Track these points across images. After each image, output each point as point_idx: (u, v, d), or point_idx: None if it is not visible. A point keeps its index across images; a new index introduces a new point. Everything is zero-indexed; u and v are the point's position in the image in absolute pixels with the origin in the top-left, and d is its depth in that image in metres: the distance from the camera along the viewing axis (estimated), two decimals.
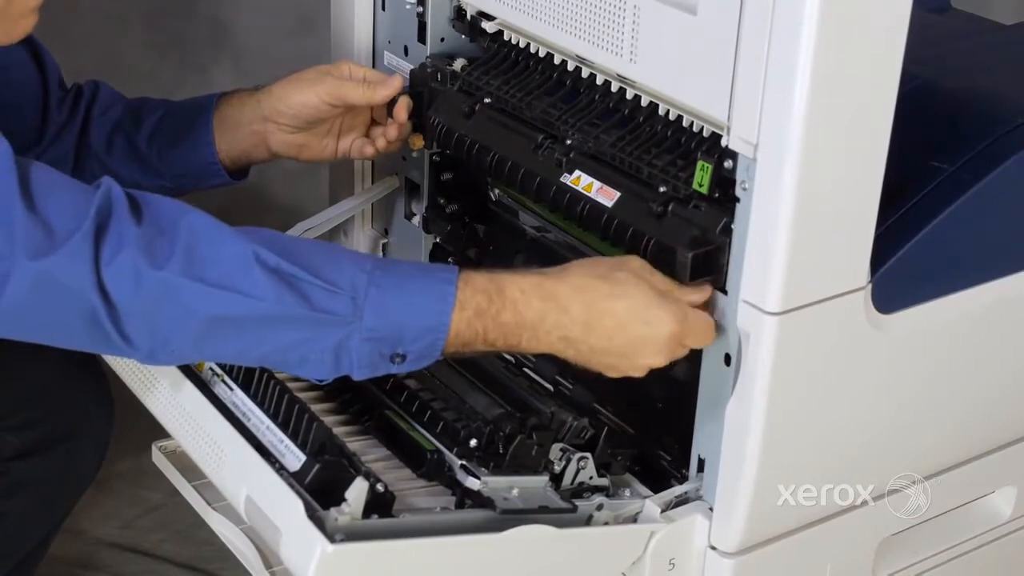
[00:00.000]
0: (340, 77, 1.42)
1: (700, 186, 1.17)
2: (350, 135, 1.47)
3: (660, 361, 1.14)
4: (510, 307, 1.12)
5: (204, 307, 1.06)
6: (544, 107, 1.33)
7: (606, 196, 1.24)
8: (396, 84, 1.43)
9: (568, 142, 1.29)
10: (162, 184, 1.47)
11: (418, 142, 1.47)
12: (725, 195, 1.15)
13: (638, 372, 1.15)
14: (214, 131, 1.45)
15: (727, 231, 1.15)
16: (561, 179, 1.28)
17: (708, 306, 1.17)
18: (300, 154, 1.47)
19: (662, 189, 1.20)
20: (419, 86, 1.45)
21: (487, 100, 1.38)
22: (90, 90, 1.50)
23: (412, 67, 1.48)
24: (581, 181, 1.27)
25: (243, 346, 1.09)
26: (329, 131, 1.46)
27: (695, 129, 1.21)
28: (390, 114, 1.46)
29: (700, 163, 1.17)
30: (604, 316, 1.12)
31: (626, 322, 1.12)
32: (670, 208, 1.19)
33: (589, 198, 1.25)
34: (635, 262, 1.17)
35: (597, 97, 1.30)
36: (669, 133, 1.23)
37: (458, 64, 1.44)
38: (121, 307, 1.05)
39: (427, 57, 1.48)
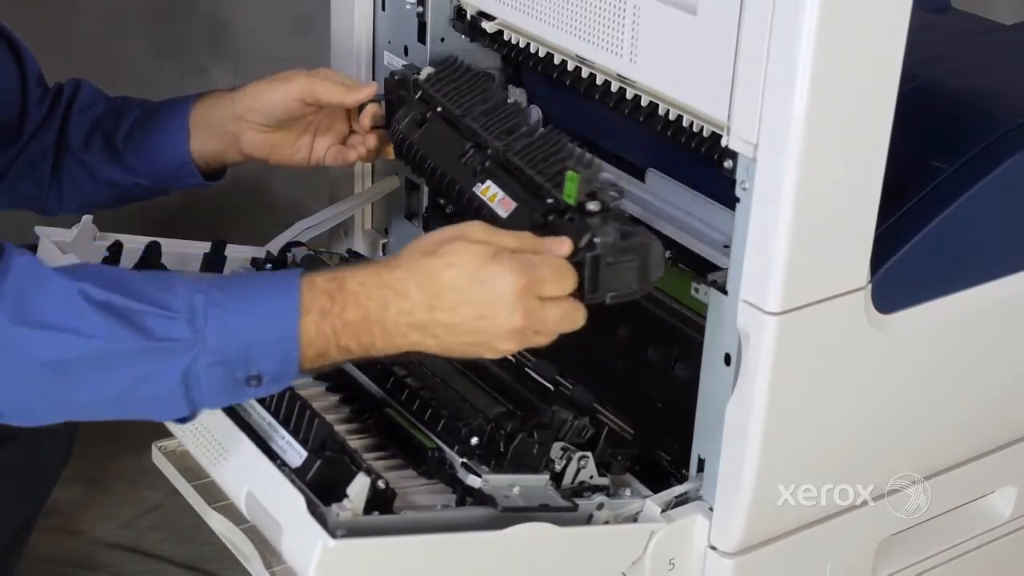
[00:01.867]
0: (314, 76, 1.42)
1: (568, 197, 1.15)
2: (325, 139, 1.46)
3: (517, 319, 1.07)
4: (352, 302, 1.07)
5: (39, 353, 1.02)
6: (476, 115, 1.33)
7: (504, 207, 1.23)
8: (369, 90, 1.42)
9: (488, 151, 1.29)
10: (138, 182, 1.47)
11: (389, 152, 1.46)
12: (592, 206, 1.14)
13: (506, 342, 1.09)
14: (189, 131, 1.44)
15: (591, 246, 1.11)
16: (473, 188, 1.27)
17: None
18: (271, 155, 1.46)
19: (548, 200, 1.18)
20: (390, 94, 1.44)
21: (439, 109, 1.38)
22: (71, 88, 1.50)
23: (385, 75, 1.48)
24: (489, 191, 1.26)
25: (93, 392, 1.05)
26: (303, 132, 1.46)
27: (695, 129, 1.21)
28: None
29: (568, 173, 1.15)
30: (442, 291, 1.07)
31: (464, 288, 1.07)
32: (549, 220, 1.17)
33: (491, 208, 1.24)
34: (474, 228, 1.11)
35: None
36: (669, 133, 1.23)
37: (424, 72, 1.43)
38: None
39: (403, 65, 1.49)
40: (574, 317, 1.11)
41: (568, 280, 1.10)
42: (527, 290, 1.07)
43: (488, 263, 1.07)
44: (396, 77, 1.44)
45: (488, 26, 1.41)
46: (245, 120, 1.43)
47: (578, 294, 1.11)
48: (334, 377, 1.32)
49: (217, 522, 1.31)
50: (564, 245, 1.11)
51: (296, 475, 1.09)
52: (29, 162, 1.47)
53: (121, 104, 1.50)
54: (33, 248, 1.40)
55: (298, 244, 1.51)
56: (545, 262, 1.09)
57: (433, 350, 1.11)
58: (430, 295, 1.07)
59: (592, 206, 1.13)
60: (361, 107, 1.44)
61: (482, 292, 1.07)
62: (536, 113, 1.51)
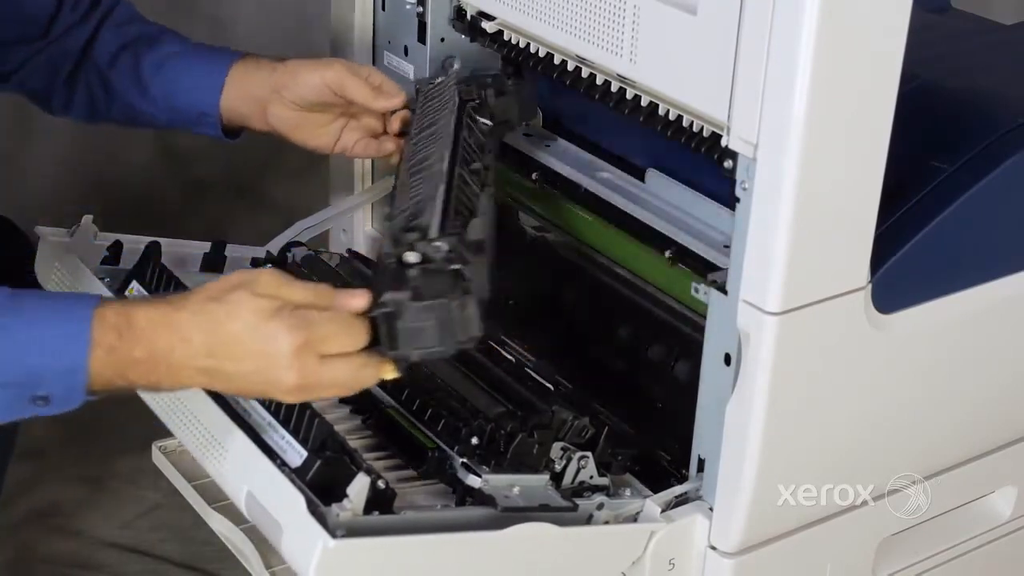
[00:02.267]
0: (352, 71, 1.41)
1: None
2: (355, 131, 1.45)
3: (293, 378, 1.06)
4: (140, 339, 1.06)
5: None
6: (418, 140, 1.34)
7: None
8: (399, 100, 1.42)
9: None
10: (154, 115, 1.47)
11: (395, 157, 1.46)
12: (411, 258, 1.10)
13: (289, 396, 1.09)
14: (224, 85, 1.44)
15: (383, 303, 1.08)
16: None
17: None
18: (294, 134, 1.44)
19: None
20: (412, 104, 1.44)
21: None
22: (109, 2, 1.49)
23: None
24: None
25: None
26: (335, 119, 1.44)
27: (695, 129, 1.21)
28: None
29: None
30: (224, 341, 1.06)
31: (247, 343, 1.06)
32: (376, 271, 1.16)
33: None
34: (264, 278, 1.08)
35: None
36: (669, 133, 1.23)
37: (439, 79, 1.44)
38: None
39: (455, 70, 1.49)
40: (365, 373, 1.09)
41: (355, 337, 1.07)
42: (304, 349, 1.05)
43: (268, 320, 1.06)
44: (416, 87, 1.45)
45: (488, 26, 1.41)
46: (278, 93, 1.42)
47: (381, 349, 1.09)
48: None
49: (217, 522, 1.31)
50: (356, 300, 1.08)
51: (296, 475, 1.09)
52: (49, 61, 1.46)
53: (159, 34, 1.49)
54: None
55: (298, 244, 1.51)
56: (329, 319, 1.07)
57: (220, 390, 1.11)
58: (212, 343, 1.06)
59: (411, 258, 1.09)
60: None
61: (260, 348, 1.06)
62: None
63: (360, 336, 1.08)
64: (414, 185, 1.24)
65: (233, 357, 1.06)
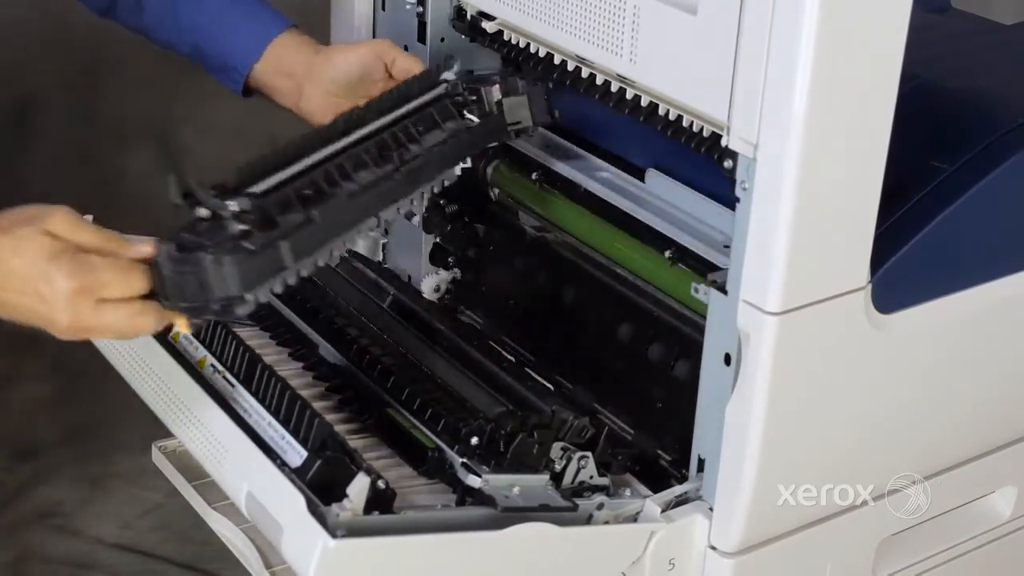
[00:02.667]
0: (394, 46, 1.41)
1: None
2: None
3: (66, 319, 1.07)
4: None
5: None
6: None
7: None
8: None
9: None
10: (172, 42, 1.46)
11: None
12: (202, 213, 1.11)
13: (66, 335, 1.09)
14: (264, 51, 1.43)
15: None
16: None
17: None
18: (324, 118, 1.41)
19: None
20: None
21: None
22: None
23: None
24: None
25: None
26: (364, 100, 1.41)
27: (695, 129, 1.21)
28: None
29: None
30: (7, 275, 1.07)
31: (27, 280, 1.07)
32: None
33: None
34: (56, 216, 1.09)
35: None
36: (669, 133, 1.23)
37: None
38: None
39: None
40: (140, 321, 1.09)
41: (132, 284, 1.08)
42: (81, 293, 1.07)
43: (49, 261, 1.07)
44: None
45: (488, 26, 1.41)
46: (315, 77, 1.41)
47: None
48: (334, 377, 1.32)
49: (217, 522, 1.31)
50: (141, 248, 1.10)
51: (296, 475, 1.09)
52: None
53: None
54: None
55: None
56: (109, 265, 1.08)
57: (6, 317, 1.11)
58: None
59: (201, 212, 1.10)
60: None
61: (38, 288, 1.07)
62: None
63: (137, 283, 1.08)
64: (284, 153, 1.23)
65: (13, 289, 1.08)
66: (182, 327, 1.10)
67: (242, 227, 1.09)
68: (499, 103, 1.36)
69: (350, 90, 1.41)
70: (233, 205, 1.10)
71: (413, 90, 1.32)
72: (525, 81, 1.37)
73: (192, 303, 1.08)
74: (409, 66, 1.39)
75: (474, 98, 1.35)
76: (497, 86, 1.36)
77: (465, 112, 1.34)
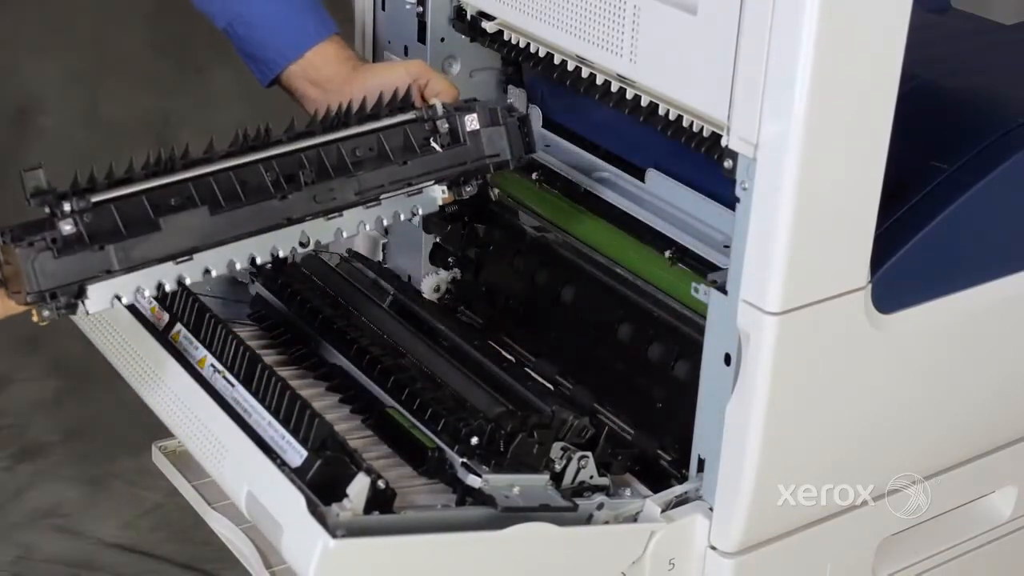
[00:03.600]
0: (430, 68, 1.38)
1: None
2: None
3: None
4: None
5: None
6: None
7: None
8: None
9: None
10: (211, 12, 1.42)
11: None
12: None
13: None
14: (302, 54, 1.40)
15: None
16: None
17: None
18: None
19: None
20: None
21: None
22: None
23: None
24: None
25: None
26: None
27: (695, 129, 1.21)
28: None
29: None
30: None
31: None
32: None
33: None
34: None
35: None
36: (669, 133, 1.23)
37: None
38: None
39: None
40: None
41: None
42: None
43: None
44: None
45: (488, 26, 1.41)
46: (345, 95, 1.34)
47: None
48: (334, 377, 1.32)
49: (217, 522, 1.31)
50: None
51: (296, 475, 1.09)
52: None
53: None
54: None
55: None
56: None
57: None
58: None
59: (45, 211, 1.13)
60: None
61: None
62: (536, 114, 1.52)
63: None
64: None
65: None
66: (35, 317, 1.12)
67: (69, 228, 1.11)
68: (475, 133, 1.29)
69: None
70: (67, 206, 1.12)
71: (380, 112, 1.28)
72: (502, 109, 1.31)
73: (28, 293, 1.10)
74: (441, 88, 1.35)
75: (447, 127, 1.29)
76: (474, 115, 1.29)
77: (431, 140, 1.28)
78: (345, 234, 1.24)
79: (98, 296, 1.12)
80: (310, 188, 1.21)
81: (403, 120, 1.28)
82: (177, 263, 1.16)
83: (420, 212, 1.29)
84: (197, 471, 1.34)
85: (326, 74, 1.41)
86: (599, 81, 1.29)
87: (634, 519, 1.22)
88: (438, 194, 1.29)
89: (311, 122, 1.26)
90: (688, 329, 1.32)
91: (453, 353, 1.33)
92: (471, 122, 1.29)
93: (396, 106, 1.29)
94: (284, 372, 1.28)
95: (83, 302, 1.12)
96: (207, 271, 1.17)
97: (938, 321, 1.27)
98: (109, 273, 1.12)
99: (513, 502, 1.15)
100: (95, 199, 1.13)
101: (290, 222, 1.21)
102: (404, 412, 1.25)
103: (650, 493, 1.24)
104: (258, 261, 1.20)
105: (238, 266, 1.19)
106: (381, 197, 1.25)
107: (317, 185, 1.22)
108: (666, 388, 1.34)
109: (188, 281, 1.16)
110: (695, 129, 1.20)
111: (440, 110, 1.28)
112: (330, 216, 1.23)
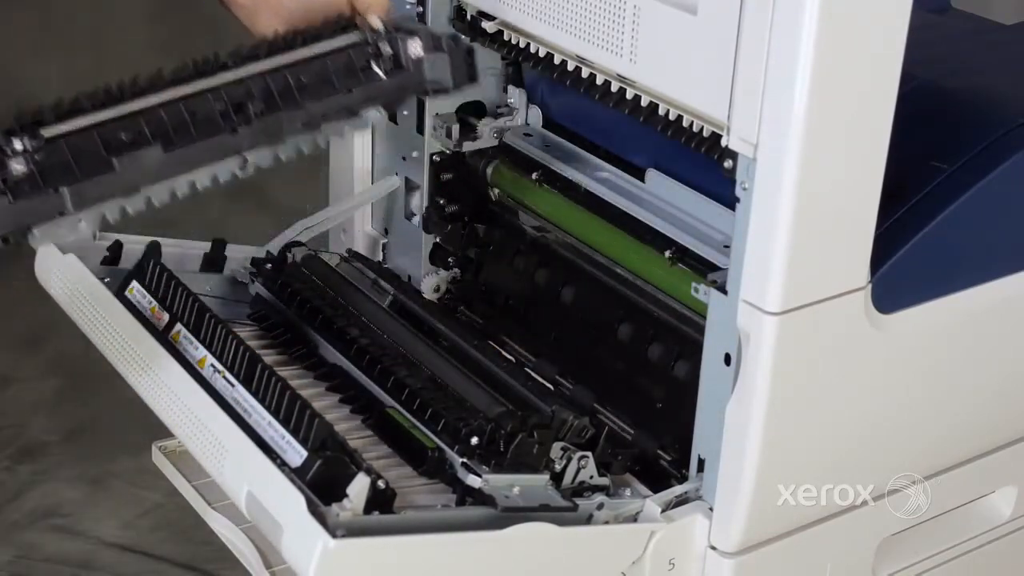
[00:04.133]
0: None
1: None
2: None
3: None
4: None
5: None
6: None
7: None
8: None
9: None
10: None
11: None
12: None
13: None
14: None
15: None
16: None
17: None
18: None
19: None
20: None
21: None
22: None
23: None
24: None
25: None
26: None
27: (695, 129, 1.21)
28: None
29: None
30: None
31: None
32: None
33: None
34: None
35: None
36: (669, 133, 1.23)
37: None
38: None
39: None
40: None
41: None
42: None
43: None
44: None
45: (488, 26, 1.41)
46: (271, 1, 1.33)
47: None
48: (334, 377, 1.32)
49: (217, 522, 1.31)
50: None
51: (296, 475, 1.09)
52: None
53: None
54: None
55: (298, 244, 1.51)
56: None
57: None
58: None
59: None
60: None
61: None
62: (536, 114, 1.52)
63: None
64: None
65: None
66: None
67: (21, 168, 1.08)
68: (418, 60, 1.28)
69: (308, 19, 1.31)
70: (18, 144, 1.09)
71: (324, 33, 1.26)
72: (447, 37, 1.30)
73: None
74: (372, 0, 1.31)
75: (390, 51, 1.27)
76: (417, 40, 1.27)
77: (373, 64, 1.26)
78: (283, 158, 1.24)
79: (44, 233, 1.10)
80: (260, 120, 1.21)
81: (346, 44, 1.27)
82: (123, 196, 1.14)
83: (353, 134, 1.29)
84: (197, 471, 1.34)
85: None
86: (599, 81, 1.29)
87: (634, 519, 1.22)
88: (375, 117, 1.28)
89: (258, 45, 1.25)
90: (688, 329, 1.32)
91: (453, 353, 1.33)
92: (415, 48, 1.28)
93: (340, 26, 1.27)
94: (284, 372, 1.28)
95: (30, 238, 1.09)
96: (149, 200, 1.16)
97: (938, 321, 1.27)
98: (62, 215, 1.10)
99: (513, 502, 1.15)
100: (47, 134, 1.10)
101: (239, 155, 1.21)
102: (404, 412, 1.25)
103: (650, 493, 1.24)
104: (198, 187, 1.19)
105: (179, 194, 1.18)
106: (323, 125, 1.25)
107: (266, 117, 1.21)
108: (666, 388, 1.34)
109: (131, 211, 1.15)
110: (695, 129, 1.20)
111: (383, 31, 1.27)
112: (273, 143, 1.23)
